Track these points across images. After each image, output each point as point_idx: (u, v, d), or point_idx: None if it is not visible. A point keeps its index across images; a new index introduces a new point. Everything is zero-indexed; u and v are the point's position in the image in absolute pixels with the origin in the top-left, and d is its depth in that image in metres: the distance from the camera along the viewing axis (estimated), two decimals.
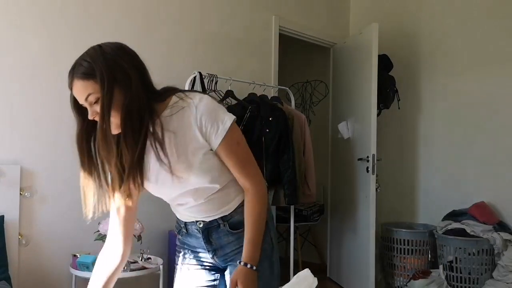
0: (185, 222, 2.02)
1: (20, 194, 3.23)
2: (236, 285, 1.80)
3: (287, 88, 4.84)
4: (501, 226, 4.54)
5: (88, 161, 1.72)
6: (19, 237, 3.22)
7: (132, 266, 3.29)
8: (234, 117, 1.81)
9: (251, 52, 4.72)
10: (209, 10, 4.38)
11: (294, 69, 6.42)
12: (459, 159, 5.03)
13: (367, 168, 4.81)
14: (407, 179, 5.45)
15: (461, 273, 4.49)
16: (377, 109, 4.92)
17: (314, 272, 1.79)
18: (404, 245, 4.88)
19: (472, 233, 4.49)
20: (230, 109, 4.16)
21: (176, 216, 2.09)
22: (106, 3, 3.70)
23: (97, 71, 1.62)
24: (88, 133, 1.73)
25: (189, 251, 2.07)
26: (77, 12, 3.55)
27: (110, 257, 1.94)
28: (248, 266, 1.82)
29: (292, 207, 4.64)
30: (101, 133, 1.61)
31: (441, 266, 4.63)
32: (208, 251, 1.99)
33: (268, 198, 4.26)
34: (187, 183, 1.81)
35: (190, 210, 1.94)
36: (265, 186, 1.92)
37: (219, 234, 1.94)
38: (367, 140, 4.85)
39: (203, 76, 3.86)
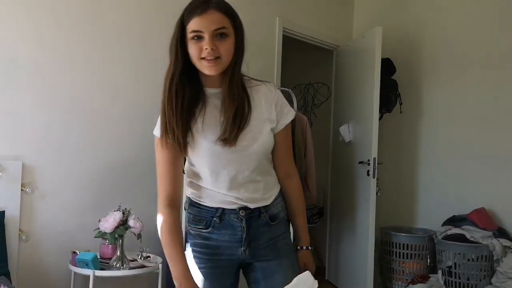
0: (223, 210, 1.92)
1: (21, 189, 3.23)
2: (304, 266, 2.05)
3: (290, 90, 4.84)
4: (500, 232, 4.54)
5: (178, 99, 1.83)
6: (19, 232, 3.22)
7: (131, 264, 3.29)
8: None
9: (254, 53, 4.70)
10: None
11: (297, 71, 6.42)
12: (460, 165, 5.03)
13: (368, 171, 4.81)
14: (407, 184, 5.45)
15: (459, 278, 4.49)
16: (379, 112, 4.92)
17: (313, 275, 1.81)
18: (403, 249, 4.88)
19: (471, 239, 4.49)
20: None
21: (205, 207, 1.95)
22: (109, 5, 3.71)
23: (235, 17, 1.88)
24: (181, 71, 1.84)
25: (213, 251, 1.96)
26: (80, 11, 3.55)
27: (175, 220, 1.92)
28: (310, 248, 2.07)
29: None
30: (223, 62, 1.83)
31: (440, 271, 4.63)
32: (244, 243, 1.94)
33: None
34: (249, 149, 1.87)
35: (239, 189, 1.90)
36: None
37: (258, 225, 1.94)
38: (368, 144, 4.85)
39: None
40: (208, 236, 1.95)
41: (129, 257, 3.31)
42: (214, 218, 1.92)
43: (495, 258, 4.41)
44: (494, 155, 4.79)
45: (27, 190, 3.26)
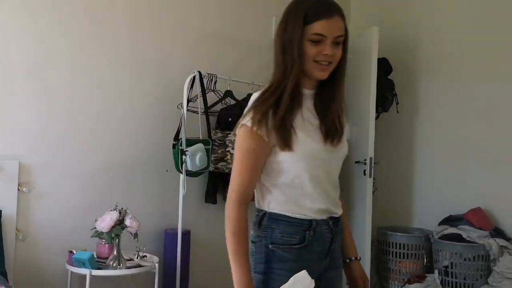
0: (317, 222, 1.82)
1: (18, 189, 3.24)
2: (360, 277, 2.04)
3: None
4: (497, 232, 4.55)
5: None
6: (16, 232, 3.23)
7: (128, 263, 3.29)
8: None
9: (250, 53, 4.72)
10: (210, 11, 4.38)
11: None
12: (457, 164, 5.03)
13: (364, 171, 4.81)
14: (404, 183, 5.45)
15: (456, 278, 4.50)
16: (376, 112, 4.92)
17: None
18: (400, 249, 4.89)
19: (468, 239, 4.49)
20: (228, 109, 4.17)
21: (297, 220, 1.81)
22: (109, 5, 3.71)
23: (347, 26, 1.87)
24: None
25: (303, 268, 1.76)
26: (81, 11, 3.55)
27: (246, 220, 1.81)
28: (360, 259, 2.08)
29: None
30: (333, 67, 1.81)
31: (436, 271, 4.64)
32: (328, 255, 1.88)
33: None
34: (341, 151, 1.93)
35: (330, 192, 1.91)
36: None
37: (338, 234, 1.92)
38: (364, 143, 4.85)
39: (203, 76, 3.87)
40: (299, 253, 1.80)
41: (125, 257, 3.32)
42: (308, 232, 1.81)
43: (491, 258, 4.41)
44: (491, 154, 4.79)
45: (24, 189, 3.26)
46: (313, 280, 1.65)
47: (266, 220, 1.82)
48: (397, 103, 5.28)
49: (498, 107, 4.77)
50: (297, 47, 1.75)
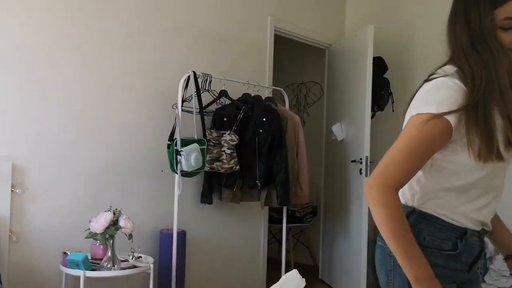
0: (470, 232, 1.61)
1: (12, 190, 3.21)
2: None
3: (282, 89, 4.83)
4: None
5: None
6: (10, 234, 3.21)
7: (123, 264, 3.28)
8: None
9: (246, 52, 4.72)
10: (204, 10, 4.37)
11: (289, 70, 6.42)
12: None
13: (360, 170, 4.80)
14: None
15: None
16: (371, 111, 4.92)
17: (306, 274, 1.80)
18: None
19: None
20: (223, 109, 4.16)
21: (449, 224, 1.59)
22: (103, 5, 3.69)
23: None
24: None
25: (446, 279, 1.56)
26: (75, 10, 3.54)
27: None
28: None
29: (284, 208, 4.64)
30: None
31: None
32: (471, 268, 1.66)
33: (262, 199, 4.27)
34: None
35: (494, 208, 1.66)
36: None
37: (484, 248, 1.72)
38: (360, 142, 4.85)
39: (197, 76, 3.86)
40: (446, 259, 1.59)
41: (120, 258, 3.30)
42: (459, 240, 1.59)
43: (488, 256, 4.41)
44: None
45: (17, 191, 3.24)
46: (303, 279, 1.64)
47: (414, 218, 1.60)
48: (393, 102, 5.27)
49: None
50: (493, 36, 1.57)
